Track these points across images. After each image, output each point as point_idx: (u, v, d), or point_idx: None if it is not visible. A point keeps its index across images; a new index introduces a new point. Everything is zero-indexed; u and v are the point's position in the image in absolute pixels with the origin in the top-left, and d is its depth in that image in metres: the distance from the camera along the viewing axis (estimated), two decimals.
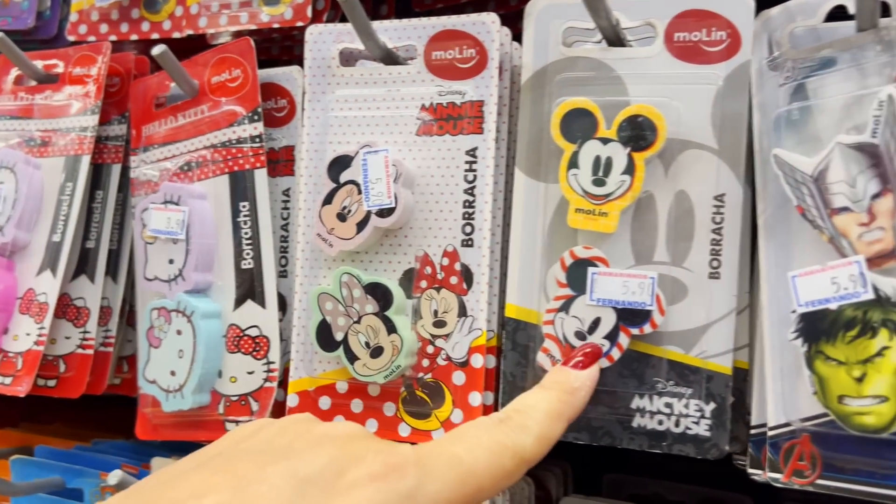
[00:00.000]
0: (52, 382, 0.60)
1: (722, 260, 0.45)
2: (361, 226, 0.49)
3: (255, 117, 0.54)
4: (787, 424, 0.43)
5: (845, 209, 0.39)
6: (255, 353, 0.53)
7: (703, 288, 0.45)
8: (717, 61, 0.46)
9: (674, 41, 0.47)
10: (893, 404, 0.37)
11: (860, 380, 0.38)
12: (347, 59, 0.54)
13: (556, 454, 0.69)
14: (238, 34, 0.63)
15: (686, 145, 0.46)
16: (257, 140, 0.54)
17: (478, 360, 0.48)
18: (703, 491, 0.68)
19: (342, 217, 0.50)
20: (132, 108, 0.61)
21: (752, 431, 0.44)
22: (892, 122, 0.38)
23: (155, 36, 0.67)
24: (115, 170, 0.61)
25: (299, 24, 0.59)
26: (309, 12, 0.58)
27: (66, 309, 0.60)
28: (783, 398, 0.43)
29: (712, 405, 0.45)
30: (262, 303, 0.53)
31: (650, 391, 0.46)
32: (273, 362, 0.53)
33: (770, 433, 0.43)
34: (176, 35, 0.66)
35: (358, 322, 0.49)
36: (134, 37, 0.67)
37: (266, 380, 0.53)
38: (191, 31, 0.65)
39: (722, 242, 0.45)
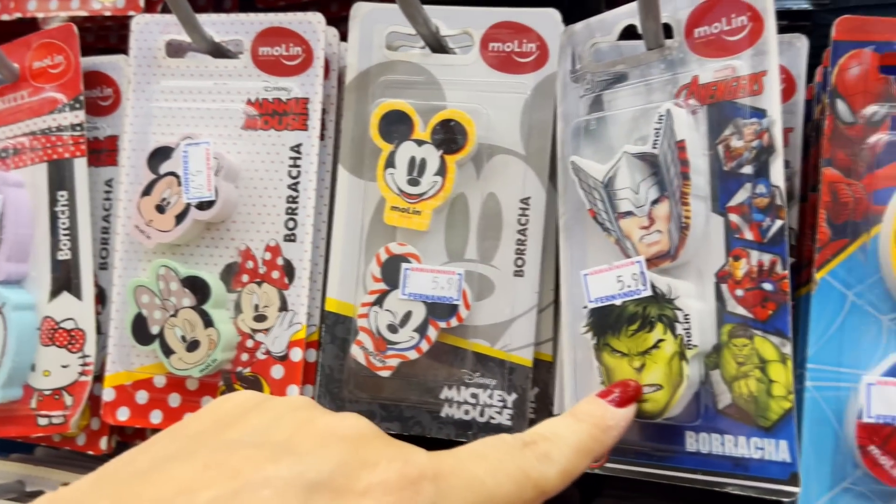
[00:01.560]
0: None
1: (526, 259, 0.48)
2: (180, 218, 0.49)
3: (77, 105, 0.53)
4: None
5: (629, 213, 0.43)
6: (70, 346, 0.52)
7: (508, 285, 0.48)
8: (526, 72, 0.48)
9: (489, 50, 0.49)
10: (667, 392, 0.41)
11: (639, 370, 0.41)
12: (178, 50, 0.53)
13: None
14: (70, 20, 0.61)
15: (496, 150, 0.48)
16: (78, 128, 0.53)
17: (297, 354, 0.49)
18: None
19: (161, 209, 0.49)
20: None
21: None
22: (670, 135, 0.41)
23: None
24: None
25: (131, 13, 0.58)
26: (142, 2, 0.57)
27: None
28: (578, 388, 0.46)
29: (514, 395, 0.48)
30: (78, 295, 0.52)
31: (458, 382, 0.48)
32: (89, 356, 0.51)
33: None
34: (5, 17, 0.63)
35: (175, 315, 0.49)
36: None
37: (81, 374, 0.51)
38: (19, 15, 0.62)
39: (526, 242, 0.48)
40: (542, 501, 0.31)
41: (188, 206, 0.49)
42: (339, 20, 0.57)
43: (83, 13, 0.59)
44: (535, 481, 0.30)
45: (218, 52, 0.52)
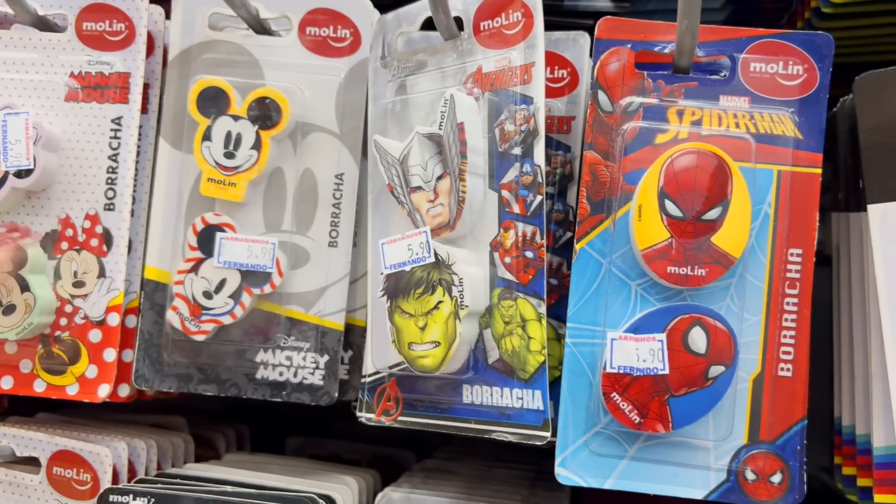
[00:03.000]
0: None
1: (340, 231, 0.52)
2: None
3: None
4: (378, 372, 0.50)
5: (419, 188, 0.47)
6: None
7: (322, 255, 0.51)
8: (341, 55, 0.52)
9: (306, 34, 0.52)
10: (443, 349, 0.45)
11: (423, 329, 0.46)
12: (2, 21, 0.54)
13: (235, 418, 0.73)
14: None
15: (312, 128, 0.52)
16: None
17: (114, 319, 0.51)
18: (373, 449, 0.75)
19: None
20: None
21: (361, 380, 0.51)
22: (453, 118, 0.46)
23: None
24: None
25: None
26: None
27: None
28: (376, 350, 0.50)
29: (326, 357, 0.51)
30: None
31: (273, 346, 0.51)
32: None
33: (368, 380, 0.50)
34: None
35: None
36: None
37: None
38: None
39: (340, 216, 0.52)
40: None
41: (6, 174, 0.50)
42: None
43: None
44: None
45: (43, 24, 0.53)
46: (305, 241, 0.52)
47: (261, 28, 0.53)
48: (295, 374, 0.51)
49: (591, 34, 0.52)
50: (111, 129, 0.52)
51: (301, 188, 0.52)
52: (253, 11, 0.51)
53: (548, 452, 0.48)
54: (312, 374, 0.51)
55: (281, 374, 0.51)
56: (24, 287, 0.50)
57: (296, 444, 0.77)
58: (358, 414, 0.51)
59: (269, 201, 0.52)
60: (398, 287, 0.47)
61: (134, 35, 0.52)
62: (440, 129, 0.46)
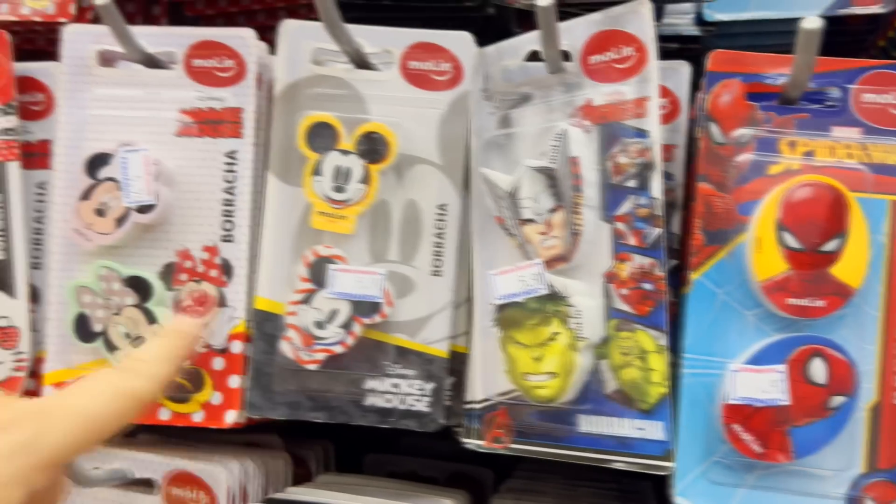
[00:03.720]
0: None
1: (443, 259, 0.53)
2: (120, 221, 0.52)
3: (10, 111, 0.55)
4: (488, 399, 0.51)
5: (530, 220, 0.48)
6: (3, 343, 0.54)
7: (426, 283, 0.52)
8: (442, 89, 0.53)
9: (408, 68, 0.53)
10: (561, 379, 0.46)
11: (538, 360, 0.47)
12: (110, 59, 0.56)
13: (319, 434, 0.74)
14: (2, 24, 0.63)
15: (415, 160, 0.53)
16: (11, 133, 0.54)
17: (237, 347, 0.53)
18: (451, 466, 0.76)
19: (100, 213, 0.52)
20: None
21: (465, 406, 0.52)
22: (565, 152, 0.47)
23: None
24: None
25: (62, 20, 0.60)
26: (72, 9, 0.59)
27: None
28: (485, 377, 0.51)
29: (432, 384, 0.52)
30: (12, 293, 0.54)
31: (380, 373, 0.52)
32: (23, 353, 0.54)
33: (476, 407, 0.51)
34: None
35: (118, 314, 0.52)
36: None
37: (15, 370, 0.54)
38: None
39: (443, 245, 0.53)
40: (143, 405, 0.37)
41: (128, 209, 0.51)
42: (264, 29, 0.60)
43: (12, 18, 0.61)
44: (130, 393, 0.37)
45: (151, 62, 0.55)
46: (410, 270, 0.53)
47: (362, 63, 0.54)
48: (402, 401, 0.52)
49: (677, 57, 0.53)
50: (225, 163, 0.53)
51: (405, 219, 0.53)
52: (356, 46, 0.52)
53: (623, 472, 0.49)
54: (419, 400, 0.52)
55: (388, 400, 0.52)
56: (152, 319, 0.51)
57: (374, 462, 0.78)
58: (464, 440, 0.52)
59: (375, 232, 0.53)
60: (510, 318, 0.48)
61: (244, 71, 0.53)
62: (552, 162, 0.47)
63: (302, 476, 0.68)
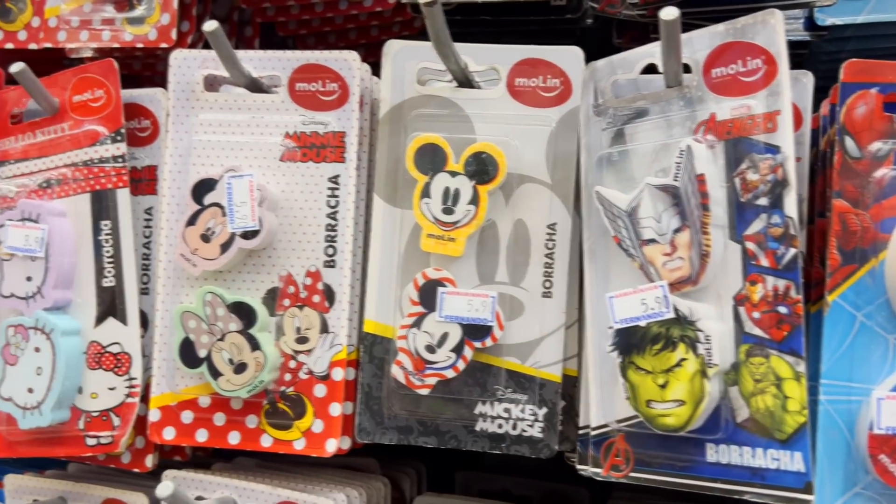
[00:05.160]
0: None
1: (553, 281, 0.51)
2: (225, 247, 0.52)
3: (118, 138, 0.55)
4: (605, 426, 0.49)
5: (652, 241, 0.46)
6: (116, 369, 0.54)
7: (537, 305, 0.51)
8: (551, 105, 0.52)
9: (515, 86, 0.52)
10: (689, 407, 0.44)
11: (663, 387, 0.45)
12: (212, 83, 0.56)
13: (410, 454, 0.74)
14: (99, 51, 0.64)
15: (524, 179, 0.52)
16: (120, 160, 0.55)
17: (338, 374, 0.52)
18: (546, 485, 0.74)
19: (206, 238, 0.52)
20: None
21: (580, 432, 0.51)
22: (690, 169, 0.45)
23: (9, 46, 0.66)
24: None
25: (163, 45, 0.60)
26: (174, 34, 0.60)
27: None
28: (602, 403, 0.49)
29: (545, 409, 0.51)
30: (123, 320, 0.54)
31: (491, 398, 0.51)
32: (135, 378, 0.54)
33: (592, 433, 0.50)
34: (32, 47, 0.65)
35: (222, 339, 0.51)
36: None
37: (128, 395, 0.54)
38: (49, 45, 0.64)
39: (553, 265, 0.51)
40: None
41: (233, 235, 0.51)
42: (354, 47, 0.60)
43: (114, 45, 0.62)
44: None
45: (254, 86, 0.54)
46: (519, 292, 0.51)
47: (466, 81, 0.53)
48: (514, 427, 0.51)
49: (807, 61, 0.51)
50: (328, 188, 0.53)
51: (514, 239, 0.52)
52: (463, 65, 0.51)
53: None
54: (531, 426, 0.51)
55: (500, 426, 0.51)
56: (255, 346, 0.51)
57: (464, 480, 0.77)
58: (579, 467, 0.51)
59: (483, 253, 0.52)
60: (631, 342, 0.46)
61: (347, 94, 0.53)
62: (675, 180, 0.45)
63: (397, 500, 0.67)
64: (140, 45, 0.61)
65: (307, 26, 0.68)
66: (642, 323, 0.46)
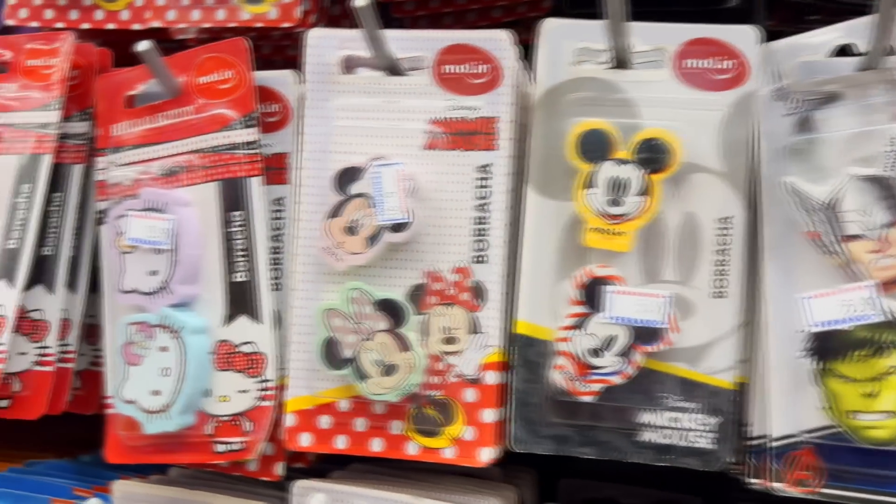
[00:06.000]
0: (4, 402, 0.55)
1: (727, 279, 0.47)
2: (373, 240, 0.48)
3: (251, 122, 0.51)
4: (790, 436, 0.45)
5: (858, 236, 0.42)
6: (248, 370, 0.50)
7: (708, 306, 0.47)
8: (724, 89, 0.48)
9: (682, 67, 0.48)
10: None
11: (871, 396, 0.41)
12: (348, 66, 0.52)
13: (523, 462, 0.70)
14: (211, 31, 0.60)
15: (694, 168, 0.48)
16: (253, 146, 0.51)
17: (491, 377, 0.48)
18: (656, 493, 0.70)
19: (352, 231, 0.48)
20: (99, 105, 0.56)
21: (753, 443, 0.47)
22: None
23: (111, 27, 0.62)
24: (76, 170, 0.57)
25: (285, 24, 0.57)
26: (298, 13, 0.56)
27: (21, 322, 0.55)
28: (786, 412, 0.45)
29: (717, 419, 0.47)
30: (257, 318, 0.51)
31: (657, 406, 0.47)
32: (269, 380, 0.50)
33: (773, 444, 0.46)
34: (136, 27, 0.62)
35: (369, 339, 0.48)
36: (86, 25, 0.62)
37: (261, 398, 0.50)
38: (157, 24, 0.61)
39: (727, 263, 0.47)
40: None
41: (381, 227, 0.48)
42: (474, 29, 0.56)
43: (231, 24, 0.58)
44: None
45: (394, 69, 0.51)
46: (689, 291, 0.48)
47: (623, 62, 0.49)
48: (683, 437, 0.47)
49: None
50: (477, 178, 0.49)
51: (682, 234, 0.48)
52: (629, 44, 0.48)
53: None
54: (702, 436, 0.47)
55: (666, 436, 0.47)
56: (405, 346, 0.47)
57: (569, 487, 0.73)
58: (751, 480, 0.47)
59: (648, 249, 0.48)
60: (830, 347, 0.43)
61: (499, 76, 0.49)
62: (886, 170, 0.41)
63: None
64: (259, 25, 0.57)
65: (425, 6, 0.64)
66: (846, 326, 0.42)
